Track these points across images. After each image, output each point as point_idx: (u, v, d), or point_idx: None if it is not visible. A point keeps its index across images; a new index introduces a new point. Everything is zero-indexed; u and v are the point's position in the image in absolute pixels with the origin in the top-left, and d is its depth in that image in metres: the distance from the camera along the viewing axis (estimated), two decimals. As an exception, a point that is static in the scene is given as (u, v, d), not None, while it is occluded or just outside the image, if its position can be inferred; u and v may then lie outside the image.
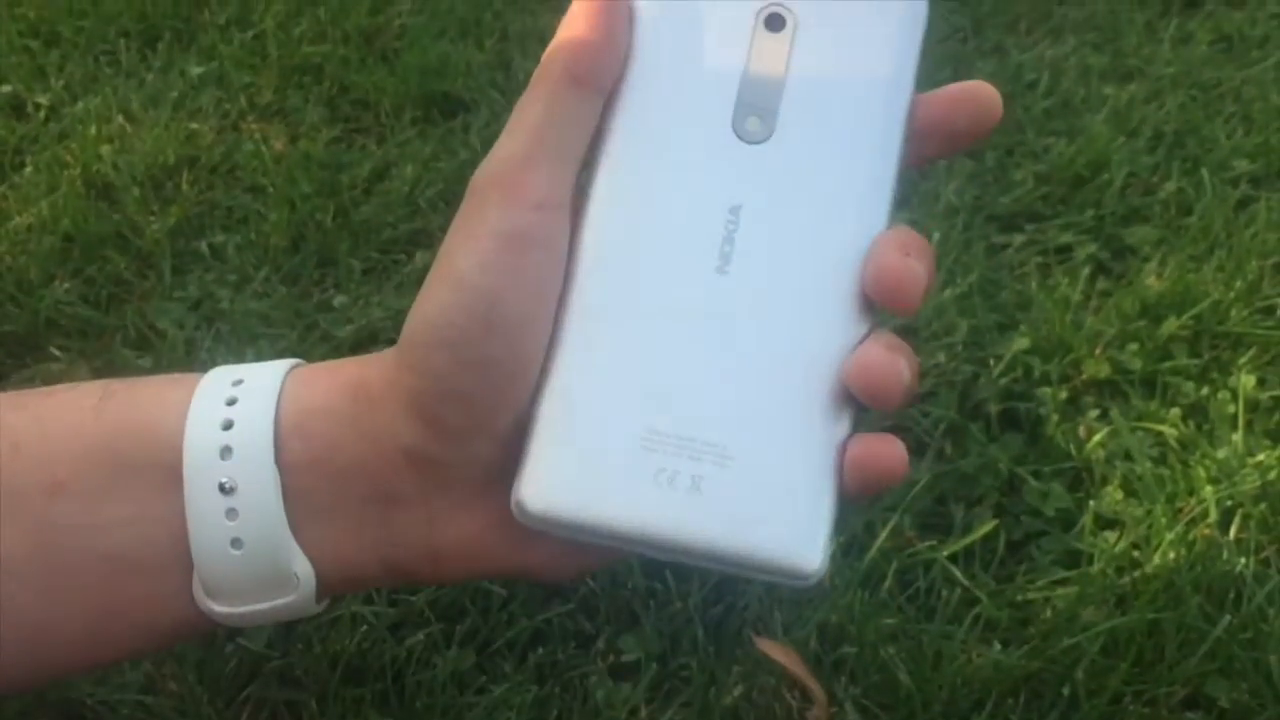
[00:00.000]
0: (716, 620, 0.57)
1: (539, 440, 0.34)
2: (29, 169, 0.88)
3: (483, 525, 0.35)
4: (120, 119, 0.93)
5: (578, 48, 0.35)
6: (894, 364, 0.33)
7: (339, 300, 0.77)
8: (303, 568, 0.35)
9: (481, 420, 0.34)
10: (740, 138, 0.35)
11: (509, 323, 0.33)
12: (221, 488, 0.34)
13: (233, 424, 0.34)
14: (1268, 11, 1.08)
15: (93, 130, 0.91)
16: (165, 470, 0.34)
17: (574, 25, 0.35)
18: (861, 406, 0.34)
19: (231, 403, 0.35)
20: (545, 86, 0.35)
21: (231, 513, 0.34)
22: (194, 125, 0.93)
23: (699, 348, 0.34)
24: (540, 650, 0.56)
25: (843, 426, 0.34)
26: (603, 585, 0.58)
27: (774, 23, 0.35)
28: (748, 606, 0.57)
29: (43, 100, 0.96)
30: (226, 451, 0.34)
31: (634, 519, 0.33)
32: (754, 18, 0.35)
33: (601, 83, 0.35)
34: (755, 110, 0.35)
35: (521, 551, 0.36)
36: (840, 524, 0.34)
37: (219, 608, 0.35)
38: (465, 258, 0.33)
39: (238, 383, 0.35)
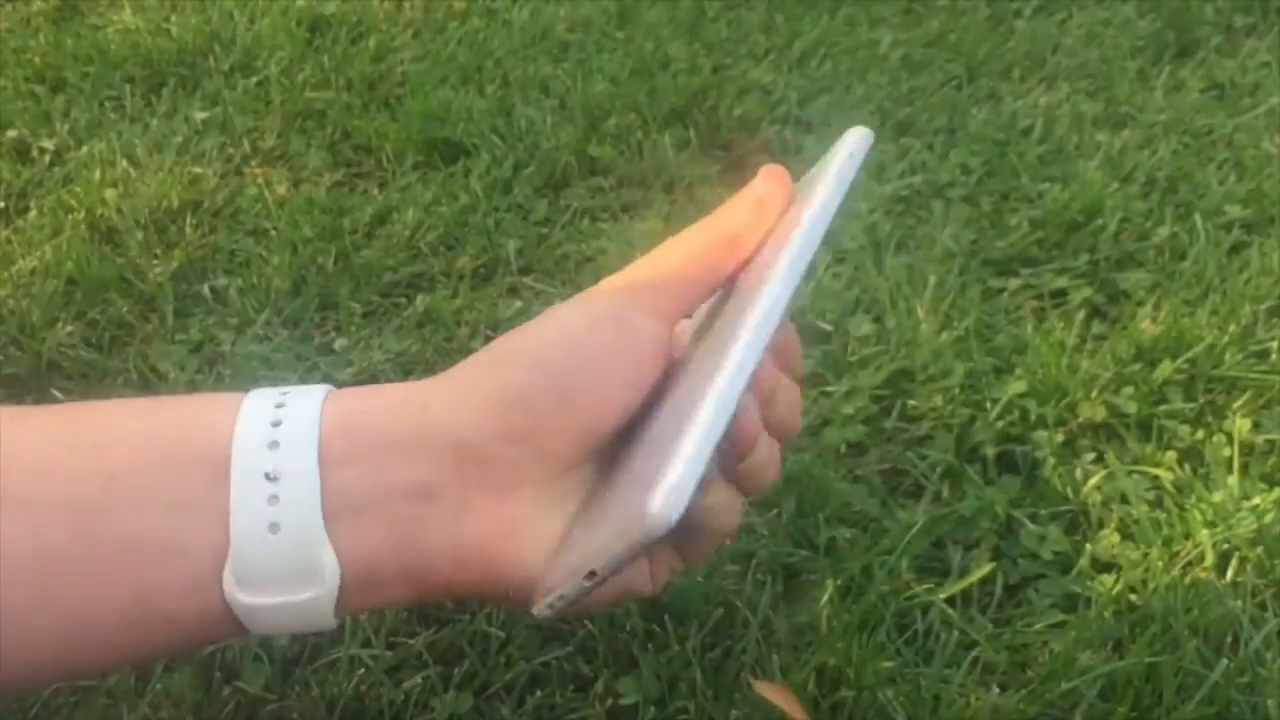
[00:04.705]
0: (715, 663, 0.57)
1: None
2: (33, 213, 0.89)
3: (507, 525, 0.38)
4: (124, 163, 0.94)
5: (737, 244, 0.41)
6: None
7: (340, 343, 0.78)
8: (330, 563, 0.37)
9: (541, 439, 0.38)
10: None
11: (599, 370, 0.38)
12: (267, 475, 0.36)
13: (281, 423, 0.37)
14: (1259, 60, 1.10)
15: (97, 175, 0.92)
16: (214, 462, 0.37)
17: (743, 223, 0.42)
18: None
19: (280, 405, 0.38)
20: (706, 244, 0.41)
21: (273, 499, 0.36)
22: (197, 170, 0.94)
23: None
24: (538, 693, 0.56)
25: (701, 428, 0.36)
26: (601, 628, 0.58)
27: None
28: (746, 650, 0.57)
29: (47, 145, 0.97)
30: (274, 445, 0.37)
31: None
32: None
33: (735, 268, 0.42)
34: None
35: (534, 558, 0.38)
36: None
37: (245, 598, 0.37)
38: (578, 317, 0.39)
39: (284, 393, 0.39)
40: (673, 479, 0.35)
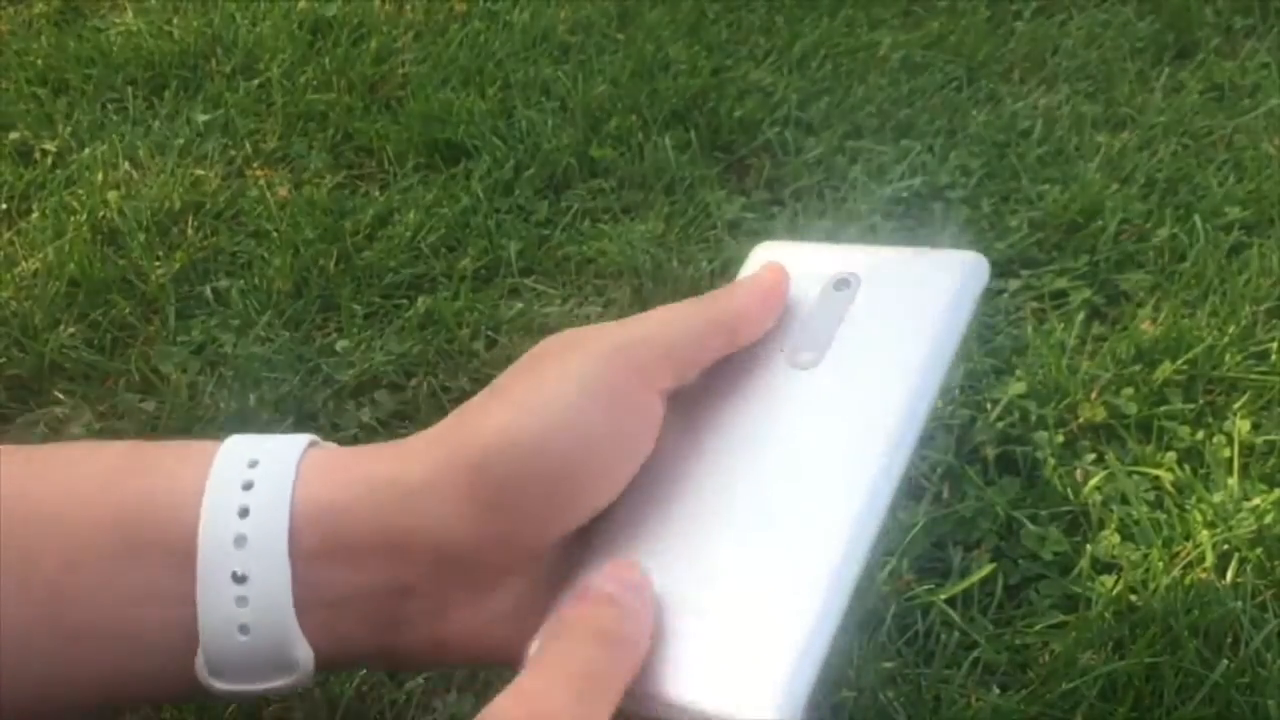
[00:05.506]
0: (715, 664, 0.57)
1: None
2: (35, 215, 0.89)
3: (491, 617, 0.37)
4: (126, 165, 0.94)
5: (738, 332, 0.41)
6: None
7: (341, 344, 0.78)
8: (304, 654, 0.35)
9: (526, 537, 0.36)
10: (791, 365, 0.41)
11: (597, 459, 0.36)
12: (234, 576, 0.34)
13: (248, 512, 0.35)
14: (1258, 61, 1.10)
15: (99, 176, 0.92)
16: (178, 552, 0.35)
17: (748, 314, 0.41)
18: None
19: (248, 487, 0.35)
20: (707, 324, 0.40)
21: (242, 600, 0.34)
22: (199, 171, 0.94)
23: (706, 523, 0.37)
24: (539, 694, 0.56)
25: (823, 597, 0.35)
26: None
27: (840, 285, 0.43)
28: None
29: (50, 147, 0.97)
30: (241, 540, 0.35)
31: None
32: (829, 280, 0.43)
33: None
34: (809, 345, 0.41)
35: (522, 642, 0.36)
36: (818, 680, 0.33)
37: (220, 685, 0.35)
38: (578, 391, 0.36)
39: (253, 464, 0.36)
40: (791, 685, 0.32)
